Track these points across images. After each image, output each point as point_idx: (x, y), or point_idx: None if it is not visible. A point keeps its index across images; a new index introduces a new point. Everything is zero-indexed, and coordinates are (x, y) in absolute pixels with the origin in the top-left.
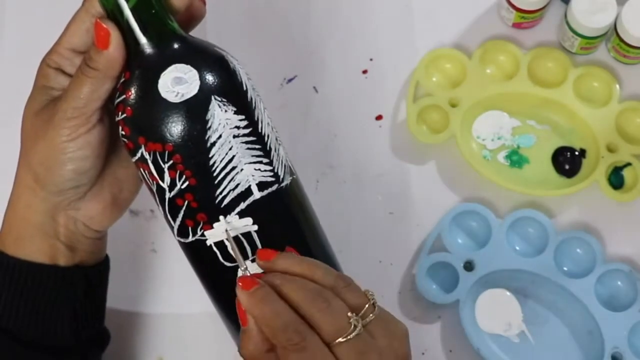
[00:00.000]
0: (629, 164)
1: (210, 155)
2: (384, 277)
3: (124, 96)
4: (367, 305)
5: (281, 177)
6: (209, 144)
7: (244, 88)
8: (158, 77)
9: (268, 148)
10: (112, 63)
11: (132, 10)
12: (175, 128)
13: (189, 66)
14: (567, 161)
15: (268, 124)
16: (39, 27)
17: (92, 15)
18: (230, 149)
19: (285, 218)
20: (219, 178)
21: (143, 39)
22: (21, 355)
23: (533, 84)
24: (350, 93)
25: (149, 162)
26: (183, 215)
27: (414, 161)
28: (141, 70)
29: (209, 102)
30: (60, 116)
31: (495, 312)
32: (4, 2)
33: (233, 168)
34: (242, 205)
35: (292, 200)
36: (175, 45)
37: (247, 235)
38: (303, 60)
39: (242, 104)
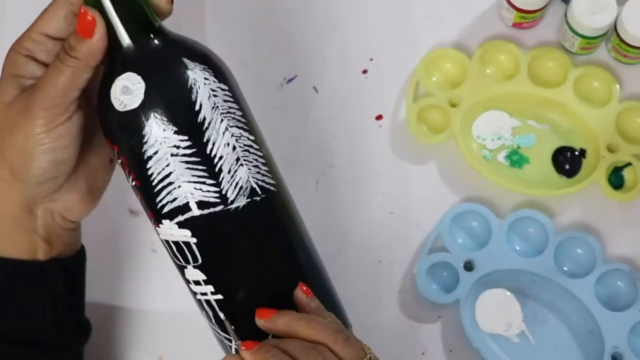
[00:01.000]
0: (629, 164)
1: (147, 167)
2: (384, 277)
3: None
4: None
5: (230, 199)
6: (145, 157)
7: (196, 108)
8: (113, 81)
9: (217, 170)
10: (94, 53)
11: (114, 4)
12: (118, 133)
13: (139, 77)
14: (567, 161)
15: (227, 144)
16: None
17: (70, 2)
18: (167, 165)
19: (230, 239)
20: (157, 188)
21: (120, 36)
22: (1, 352)
23: (533, 84)
24: (350, 93)
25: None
26: (143, 207)
27: (414, 161)
28: (107, 67)
29: (147, 118)
30: (37, 106)
31: (495, 312)
32: (4, 2)
33: (170, 183)
34: (180, 218)
35: (244, 223)
36: (140, 51)
37: (187, 244)
38: (303, 60)
39: (187, 125)
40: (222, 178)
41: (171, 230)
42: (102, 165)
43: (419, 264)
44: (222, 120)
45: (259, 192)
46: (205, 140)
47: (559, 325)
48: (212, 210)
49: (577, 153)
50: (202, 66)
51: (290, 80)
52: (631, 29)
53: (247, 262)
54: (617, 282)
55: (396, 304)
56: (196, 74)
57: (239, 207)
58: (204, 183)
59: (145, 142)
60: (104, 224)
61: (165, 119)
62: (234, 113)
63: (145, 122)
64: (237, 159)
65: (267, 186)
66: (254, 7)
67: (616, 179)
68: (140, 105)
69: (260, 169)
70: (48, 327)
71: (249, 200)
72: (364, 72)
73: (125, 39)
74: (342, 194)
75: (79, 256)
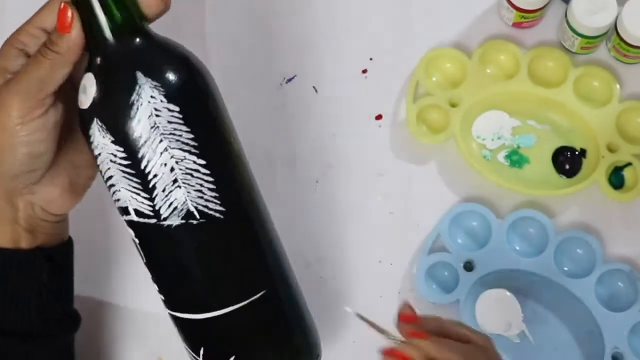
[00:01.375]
0: (629, 164)
1: (97, 164)
2: (384, 277)
3: None
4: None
5: (163, 216)
6: (94, 154)
7: (133, 123)
8: (82, 77)
9: (150, 185)
10: (74, 48)
11: (101, 2)
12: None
13: (95, 80)
14: (567, 161)
15: (164, 164)
16: None
17: None
18: (108, 168)
19: (161, 252)
20: (107, 185)
21: (96, 33)
22: None
23: (533, 83)
24: (350, 93)
25: None
26: None
27: (414, 161)
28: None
29: (91, 121)
30: (13, 98)
31: (495, 312)
32: (4, 2)
33: (113, 185)
34: (126, 217)
35: (176, 241)
36: (105, 54)
37: (134, 242)
38: (303, 60)
39: (125, 138)
40: (156, 195)
41: (125, 225)
42: (85, 161)
43: (419, 264)
44: (161, 141)
45: (197, 216)
46: (140, 156)
47: (559, 325)
48: (146, 220)
49: (577, 153)
50: (155, 83)
51: (290, 80)
52: (631, 29)
53: (176, 278)
54: (617, 282)
55: (396, 304)
56: (143, 90)
57: (171, 225)
58: (138, 194)
59: (92, 143)
60: (102, 221)
61: (105, 126)
62: (180, 135)
63: (90, 124)
64: (175, 181)
65: (210, 212)
66: (254, 7)
67: (616, 179)
68: (89, 107)
69: (204, 194)
70: (32, 316)
71: (183, 221)
72: (364, 72)
73: (99, 38)
74: (342, 194)
75: (66, 247)
